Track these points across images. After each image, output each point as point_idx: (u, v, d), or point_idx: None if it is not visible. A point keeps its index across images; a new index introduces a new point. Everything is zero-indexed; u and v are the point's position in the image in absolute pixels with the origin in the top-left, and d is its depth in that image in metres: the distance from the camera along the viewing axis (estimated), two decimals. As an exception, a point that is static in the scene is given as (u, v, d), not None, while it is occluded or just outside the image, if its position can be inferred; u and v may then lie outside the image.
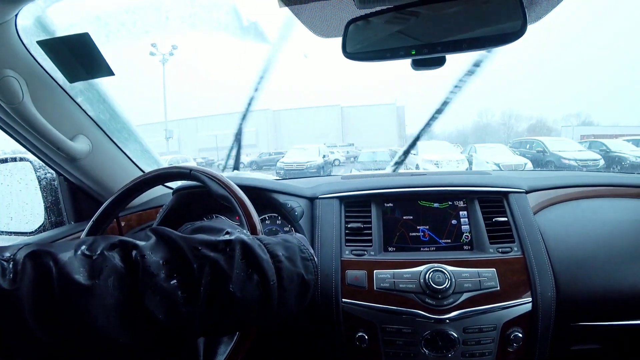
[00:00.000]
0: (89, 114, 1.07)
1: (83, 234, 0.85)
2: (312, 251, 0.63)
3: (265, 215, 1.14)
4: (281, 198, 1.11)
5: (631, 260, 0.94)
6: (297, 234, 0.69)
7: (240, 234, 0.53)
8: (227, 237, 0.51)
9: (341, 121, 35.48)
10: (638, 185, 1.17)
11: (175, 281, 0.42)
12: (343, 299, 0.93)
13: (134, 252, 0.43)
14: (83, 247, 0.41)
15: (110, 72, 0.97)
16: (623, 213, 1.08)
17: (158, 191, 1.37)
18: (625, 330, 0.93)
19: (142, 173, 1.26)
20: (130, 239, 0.45)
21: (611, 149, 10.85)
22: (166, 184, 1.39)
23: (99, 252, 0.41)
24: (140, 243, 0.44)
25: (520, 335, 0.89)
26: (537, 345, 0.91)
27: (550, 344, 0.92)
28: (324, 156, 13.49)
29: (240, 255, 0.49)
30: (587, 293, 0.92)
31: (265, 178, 1.33)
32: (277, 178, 1.43)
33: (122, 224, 1.12)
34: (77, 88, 1.02)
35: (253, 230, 0.70)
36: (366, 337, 0.92)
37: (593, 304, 0.93)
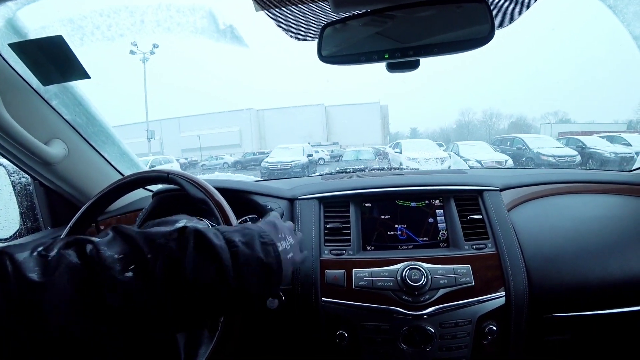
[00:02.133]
0: (65, 117, 1.06)
1: None
2: (274, 238, 0.62)
3: (246, 217, 1.14)
4: (261, 200, 1.11)
5: (597, 254, 0.98)
6: (264, 220, 0.68)
7: (196, 224, 0.54)
8: (181, 224, 0.53)
9: (325, 120, 35.48)
10: (606, 182, 1.21)
11: (130, 273, 0.43)
12: (323, 298, 0.95)
13: (89, 247, 0.43)
14: (40, 248, 0.42)
15: (85, 75, 0.96)
16: (592, 209, 1.13)
17: (138, 194, 1.36)
18: (592, 320, 0.97)
19: (120, 176, 1.25)
20: (87, 237, 0.46)
21: (587, 145, 11.20)
22: (146, 187, 1.38)
23: (55, 251, 0.42)
24: (96, 239, 0.45)
25: (495, 328, 0.92)
26: (511, 337, 0.94)
27: (525, 335, 0.95)
28: (308, 155, 13.45)
29: (193, 241, 0.50)
30: (557, 286, 0.96)
31: (245, 180, 1.33)
32: (260, 179, 1.43)
33: (101, 228, 1.11)
34: (51, 91, 1.00)
35: None
36: (346, 334, 0.93)
37: (563, 296, 0.96)
